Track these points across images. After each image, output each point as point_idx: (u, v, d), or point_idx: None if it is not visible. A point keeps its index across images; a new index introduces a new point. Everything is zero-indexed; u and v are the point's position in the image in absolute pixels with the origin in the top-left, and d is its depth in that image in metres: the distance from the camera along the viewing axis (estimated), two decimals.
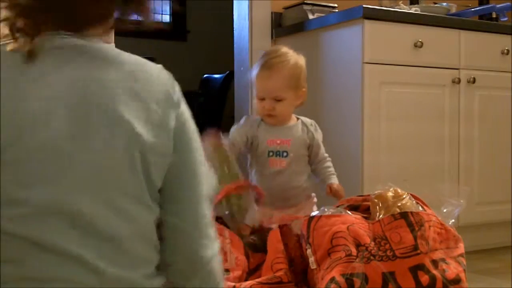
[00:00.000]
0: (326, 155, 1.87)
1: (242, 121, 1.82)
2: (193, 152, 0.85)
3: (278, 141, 1.77)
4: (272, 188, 1.73)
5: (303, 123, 1.83)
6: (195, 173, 0.84)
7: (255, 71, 1.76)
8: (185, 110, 0.85)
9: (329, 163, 1.86)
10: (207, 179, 0.86)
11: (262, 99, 1.74)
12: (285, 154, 1.77)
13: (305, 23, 2.54)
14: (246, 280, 1.37)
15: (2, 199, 0.71)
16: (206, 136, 1.54)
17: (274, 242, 1.41)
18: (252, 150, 1.78)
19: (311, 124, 1.85)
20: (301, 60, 1.79)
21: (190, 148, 0.84)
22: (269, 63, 1.74)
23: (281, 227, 1.47)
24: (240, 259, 1.39)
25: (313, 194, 1.85)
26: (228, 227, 1.53)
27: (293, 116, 1.84)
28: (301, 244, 1.42)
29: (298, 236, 1.44)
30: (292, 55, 1.77)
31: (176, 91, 0.86)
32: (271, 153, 1.76)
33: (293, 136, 1.79)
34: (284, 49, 1.78)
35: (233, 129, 1.79)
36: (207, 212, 0.85)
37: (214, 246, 0.85)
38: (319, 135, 1.85)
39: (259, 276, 1.38)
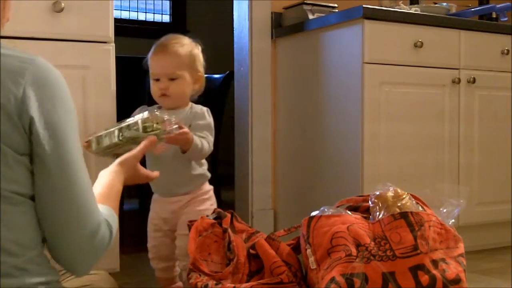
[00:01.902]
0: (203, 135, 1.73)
1: (135, 112, 1.75)
2: None
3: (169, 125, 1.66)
4: (160, 175, 1.57)
5: (192, 108, 1.76)
6: None
7: (150, 53, 1.74)
8: None
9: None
10: None
11: (157, 79, 1.71)
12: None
13: (305, 23, 2.54)
14: (247, 282, 1.37)
15: None
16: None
17: (267, 249, 1.41)
18: None
19: (201, 110, 1.77)
20: (197, 47, 1.79)
21: None
22: (164, 43, 1.73)
23: (266, 239, 1.46)
24: (241, 261, 1.39)
25: (210, 187, 1.80)
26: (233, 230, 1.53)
27: (190, 103, 1.78)
28: (300, 245, 1.42)
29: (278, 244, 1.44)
30: (187, 40, 1.77)
31: None
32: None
33: (183, 119, 1.69)
34: (181, 36, 1.77)
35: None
36: None
37: None
38: (201, 121, 1.74)
39: (260, 279, 1.38)
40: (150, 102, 1.79)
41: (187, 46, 1.75)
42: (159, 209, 1.78)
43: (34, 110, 0.89)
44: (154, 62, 1.73)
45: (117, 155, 1.32)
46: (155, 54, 1.73)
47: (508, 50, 2.59)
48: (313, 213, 1.41)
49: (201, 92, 1.81)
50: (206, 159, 1.80)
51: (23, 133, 0.89)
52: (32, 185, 0.92)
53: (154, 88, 1.73)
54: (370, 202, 1.45)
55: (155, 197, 1.80)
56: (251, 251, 1.43)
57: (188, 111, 1.75)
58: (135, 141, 1.36)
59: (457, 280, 1.31)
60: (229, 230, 1.45)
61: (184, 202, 1.74)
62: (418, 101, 2.36)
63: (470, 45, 2.50)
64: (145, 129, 1.37)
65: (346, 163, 2.30)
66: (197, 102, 1.84)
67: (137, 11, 5.50)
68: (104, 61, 1.85)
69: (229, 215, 1.51)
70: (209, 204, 1.77)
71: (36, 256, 0.93)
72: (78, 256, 0.97)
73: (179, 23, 5.59)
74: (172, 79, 1.71)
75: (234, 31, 2.81)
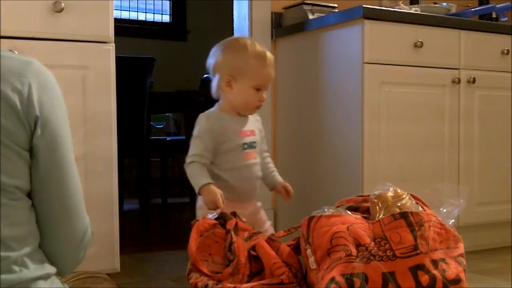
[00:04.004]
0: (267, 148, 1.86)
1: (202, 125, 1.68)
2: None
3: (248, 132, 1.72)
4: (243, 181, 1.69)
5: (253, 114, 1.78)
6: None
7: (251, 60, 1.66)
8: None
9: (270, 159, 1.85)
10: None
11: (258, 89, 1.68)
12: (254, 145, 1.72)
13: (305, 23, 2.54)
14: (247, 282, 1.37)
15: None
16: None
17: (267, 250, 1.41)
18: (217, 148, 1.68)
19: (257, 115, 1.80)
20: None
21: None
22: (269, 55, 1.70)
23: (267, 240, 1.46)
24: (242, 262, 1.39)
25: None
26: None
27: None
28: (300, 245, 1.42)
29: (278, 244, 1.44)
30: None
31: None
32: (245, 146, 1.69)
33: (254, 126, 1.75)
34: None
35: (201, 146, 1.65)
36: None
37: None
38: (261, 126, 1.82)
39: (261, 280, 1.38)
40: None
41: None
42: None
43: (38, 109, 0.92)
44: (264, 73, 1.68)
45: None
46: (266, 66, 1.68)
47: (508, 50, 2.59)
48: (313, 213, 1.41)
49: None
50: None
51: (28, 130, 0.92)
52: (30, 181, 0.95)
53: (253, 98, 1.68)
54: (370, 202, 1.45)
55: (226, 203, 1.63)
56: (251, 252, 1.43)
57: (251, 117, 1.77)
58: None
59: (457, 280, 1.31)
60: (232, 232, 1.45)
61: (256, 206, 1.77)
62: (418, 101, 2.36)
63: (470, 45, 2.50)
64: None
65: (346, 163, 2.30)
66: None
67: (137, 11, 5.50)
68: (104, 61, 1.85)
69: (235, 219, 1.50)
70: None
71: (34, 250, 0.95)
72: (66, 255, 1.01)
73: (179, 23, 5.60)
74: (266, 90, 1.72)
75: (234, 31, 2.81)
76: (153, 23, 5.56)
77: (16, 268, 0.89)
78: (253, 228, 1.61)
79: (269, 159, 1.85)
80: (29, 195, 0.96)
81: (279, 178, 1.82)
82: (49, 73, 0.98)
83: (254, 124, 1.76)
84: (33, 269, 0.92)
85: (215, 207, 1.55)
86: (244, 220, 1.56)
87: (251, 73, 1.66)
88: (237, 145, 1.68)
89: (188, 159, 1.66)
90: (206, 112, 1.74)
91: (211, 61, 1.73)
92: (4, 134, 0.89)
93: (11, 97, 0.90)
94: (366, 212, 1.47)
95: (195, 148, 1.65)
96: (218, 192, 1.57)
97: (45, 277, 0.94)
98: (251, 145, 1.71)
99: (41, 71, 0.96)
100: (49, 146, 0.94)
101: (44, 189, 0.96)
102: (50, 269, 0.96)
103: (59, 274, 1.00)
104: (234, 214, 1.56)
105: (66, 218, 0.99)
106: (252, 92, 1.67)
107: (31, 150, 0.93)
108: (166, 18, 5.63)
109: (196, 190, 1.61)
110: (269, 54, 1.70)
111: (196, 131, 1.68)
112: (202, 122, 1.69)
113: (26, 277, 0.90)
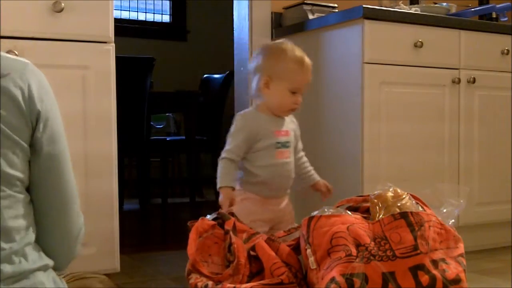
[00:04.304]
0: (302, 147, 1.92)
1: (237, 124, 1.77)
2: None
3: (283, 132, 1.79)
4: (275, 178, 1.76)
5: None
6: None
7: (289, 64, 1.74)
8: None
9: (305, 158, 1.92)
10: None
11: (293, 92, 1.75)
12: (288, 144, 1.80)
13: (305, 23, 2.54)
14: (247, 283, 1.37)
15: None
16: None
17: (266, 251, 1.41)
18: (252, 146, 1.76)
19: (293, 117, 1.89)
20: None
21: None
22: (306, 58, 1.77)
23: (266, 240, 1.46)
24: (242, 262, 1.39)
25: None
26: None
27: None
28: (300, 245, 1.42)
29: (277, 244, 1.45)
30: None
31: None
32: (279, 144, 1.77)
33: (289, 127, 1.83)
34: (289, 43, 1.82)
35: (233, 143, 1.74)
36: None
37: None
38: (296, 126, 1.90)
39: (261, 280, 1.38)
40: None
41: None
42: (261, 210, 1.77)
43: (39, 105, 0.96)
44: (301, 77, 1.76)
45: None
46: (303, 71, 1.75)
47: (508, 50, 2.59)
48: (313, 213, 1.41)
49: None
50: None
51: (30, 125, 0.95)
52: (29, 176, 0.98)
53: (289, 101, 1.76)
54: (370, 202, 1.45)
55: (257, 198, 1.78)
56: (251, 252, 1.43)
57: (287, 118, 1.84)
58: None
59: (457, 280, 1.31)
60: (231, 233, 1.45)
61: (288, 203, 1.83)
62: (418, 101, 2.36)
63: (470, 45, 2.50)
64: None
65: (346, 163, 2.30)
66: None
67: (137, 11, 5.50)
68: (104, 61, 1.85)
69: (233, 219, 1.51)
70: None
71: (34, 243, 0.97)
72: (64, 250, 1.04)
73: (179, 23, 5.60)
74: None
75: (234, 31, 2.81)
76: (153, 23, 5.56)
77: (16, 259, 0.91)
78: (280, 223, 1.72)
79: (305, 158, 1.93)
80: (27, 190, 0.98)
81: (318, 176, 1.92)
82: (43, 75, 1.02)
83: (289, 125, 1.83)
84: (32, 261, 0.94)
85: (224, 208, 1.65)
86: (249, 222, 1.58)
87: (289, 76, 1.74)
88: (271, 144, 1.76)
89: (222, 154, 1.75)
90: (243, 111, 1.83)
91: (253, 62, 1.82)
92: (7, 127, 0.91)
93: (14, 92, 0.92)
94: (366, 212, 1.48)
95: (228, 144, 1.75)
96: (230, 197, 1.68)
97: (44, 268, 0.96)
98: (285, 145, 1.78)
99: (37, 72, 1.00)
100: (50, 141, 0.97)
101: (43, 184, 0.98)
102: (48, 261, 0.98)
103: (55, 269, 1.02)
104: (232, 214, 1.56)
105: (64, 213, 1.02)
106: (287, 95, 1.75)
107: (32, 145, 0.96)
108: (166, 18, 5.62)
109: (217, 187, 1.72)
110: (307, 60, 1.77)
111: (232, 129, 1.77)
112: (238, 121, 1.78)
113: (26, 268, 0.92)
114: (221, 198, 1.68)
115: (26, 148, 0.95)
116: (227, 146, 1.74)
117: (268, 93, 1.76)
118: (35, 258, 0.95)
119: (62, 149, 1.01)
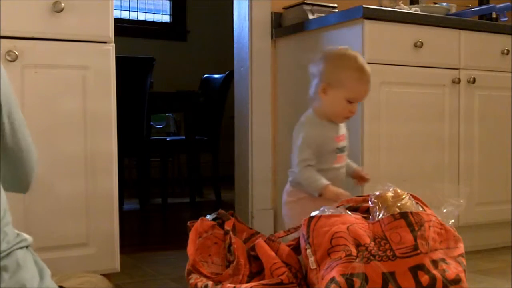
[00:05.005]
0: None
1: (308, 133, 1.76)
2: None
3: (342, 137, 1.81)
4: (333, 182, 1.74)
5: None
6: None
7: (350, 73, 1.73)
8: None
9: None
10: None
11: (350, 102, 1.74)
12: (344, 149, 1.82)
13: (305, 23, 2.54)
14: (247, 283, 1.37)
15: None
16: None
17: (266, 251, 1.41)
18: (315, 151, 1.76)
19: None
20: None
21: None
22: (367, 68, 1.76)
23: (266, 240, 1.46)
24: (242, 262, 1.39)
25: None
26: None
27: None
28: (300, 245, 1.42)
29: (277, 245, 1.44)
30: None
31: None
32: (338, 150, 1.78)
33: (344, 131, 1.84)
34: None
35: (307, 151, 1.74)
36: None
37: None
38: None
39: (260, 280, 1.38)
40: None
41: None
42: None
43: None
44: (359, 88, 1.75)
45: None
46: (363, 82, 1.75)
47: (508, 50, 2.59)
48: (313, 213, 1.41)
49: None
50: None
51: None
52: None
53: (345, 110, 1.75)
54: (370, 202, 1.45)
55: (312, 198, 1.76)
56: (251, 252, 1.43)
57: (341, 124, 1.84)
58: None
59: (457, 280, 1.31)
60: (231, 233, 1.45)
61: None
62: (418, 101, 2.36)
63: (470, 45, 2.50)
64: None
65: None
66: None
67: (137, 11, 5.50)
68: (104, 61, 1.85)
69: (232, 219, 1.50)
70: None
71: (10, 221, 0.97)
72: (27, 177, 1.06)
73: (179, 23, 5.59)
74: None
75: (234, 31, 2.81)
76: (153, 23, 5.56)
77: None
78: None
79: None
80: None
81: (354, 164, 1.92)
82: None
83: (343, 129, 1.84)
84: (11, 237, 0.94)
85: (343, 197, 1.63)
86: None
87: (348, 85, 1.73)
88: (332, 150, 1.77)
89: (301, 163, 1.73)
90: (308, 119, 1.81)
91: (314, 65, 1.80)
92: None
93: None
94: (366, 212, 1.47)
95: (304, 153, 1.73)
96: (335, 190, 1.68)
97: (24, 243, 0.97)
98: (342, 150, 1.80)
99: None
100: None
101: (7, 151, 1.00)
102: (26, 236, 0.99)
103: (21, 190, 1.06)
104: (231, 214, 1.56)
105: (26, 153, 1.03)
106: (343, 103, 1.74)
107: None
108: (166, 18, 5.62)
109: (317, 191, 1.71)
110: (368, 70, 1.76)
111: (302, 137, 1.75)
112: (307, 129, 1.77)
113: (8, 245, 0.92)
114: (329, 195, 1.67)
115: None
116: (304, 155, 1.73)
117: (325, 98, 1.75)
118: (13, 234, 0.95)
119: (17, 117, 1.01)
